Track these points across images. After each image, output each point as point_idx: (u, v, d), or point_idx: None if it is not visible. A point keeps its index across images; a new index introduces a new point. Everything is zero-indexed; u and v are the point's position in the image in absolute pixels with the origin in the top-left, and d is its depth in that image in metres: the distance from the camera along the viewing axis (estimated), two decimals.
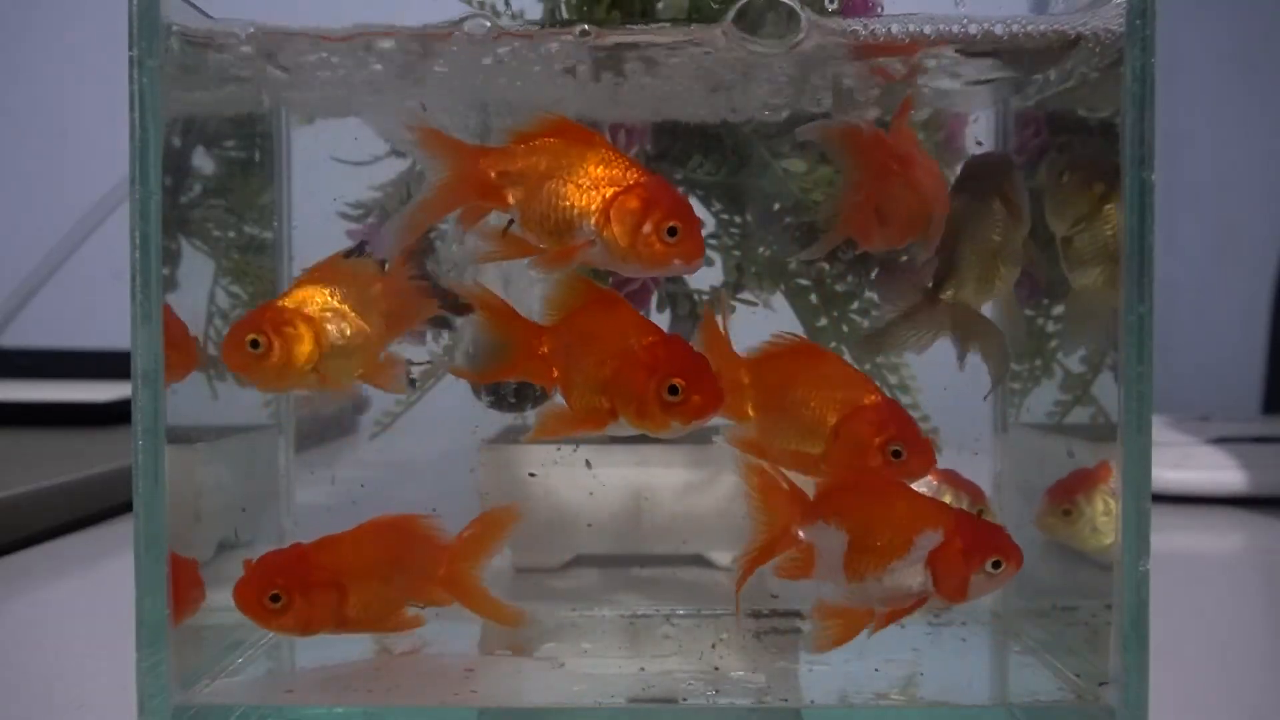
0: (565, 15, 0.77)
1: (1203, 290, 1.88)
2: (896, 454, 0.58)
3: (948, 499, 0.70)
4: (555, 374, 0.61)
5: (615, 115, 0.78)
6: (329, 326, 0.62)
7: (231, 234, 0.74)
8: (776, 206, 0.81)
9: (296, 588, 0.61)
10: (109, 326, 1.12)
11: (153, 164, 0.55)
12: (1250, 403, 1.87)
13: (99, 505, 1.13)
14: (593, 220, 0.57)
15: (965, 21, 0.63)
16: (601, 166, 0.58)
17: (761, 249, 0.82)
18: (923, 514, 0.58)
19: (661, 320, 0.85)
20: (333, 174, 0.76)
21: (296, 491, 0.78)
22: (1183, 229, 1.84)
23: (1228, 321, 1.89)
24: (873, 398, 0.60)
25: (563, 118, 0.59)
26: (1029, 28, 0.63)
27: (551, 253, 0.59)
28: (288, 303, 0.62)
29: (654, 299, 0.83)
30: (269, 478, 0.77)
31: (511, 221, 0.60)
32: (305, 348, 0.61)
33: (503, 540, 0.64)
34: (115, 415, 1.51)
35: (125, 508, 1.13)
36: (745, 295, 0.83)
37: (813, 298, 0.82)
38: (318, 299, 0.62)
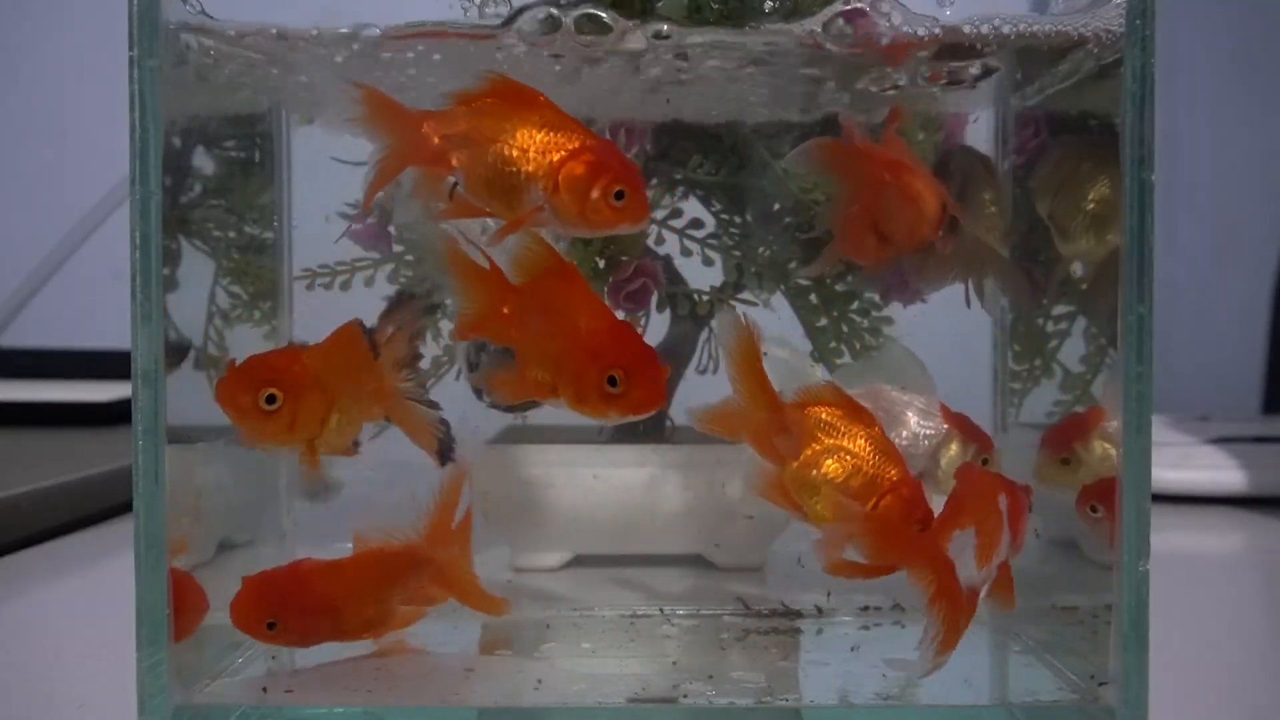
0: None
1: (1203, 290, 1.88)
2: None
3: (953, 446, 0.69)
4: (515, 335, 0.61)
5: (615, 114, 0.78)
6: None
7: (232, 234, 0.74)
8: (776, 206, 0.81)
9: (292, 614, 0.62)
10: (109, 326, 1.12)
11: (153, 164, 0.55)
12: (1250, 403, 1.87)
13: (99, 505, 1.13)
14: (541, 186, 0.57)
15: (968, 21, 0.63)
16: (546, 130, 0.58)
17: (761, 249, 0.82)
18: (994, 484, 0.59)
19: (662, 321, 0.85)
20: (334, 174, 0.76)
21: (296, 492, 0.78)
22: (1183, 229, 1.84)
23: (1228, 321, 1.89)
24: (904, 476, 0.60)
25: (504, 77, 0.59)
26: (1030, 28, 0.64)
27: (507, 223, 0.59)
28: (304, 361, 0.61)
29: (654, 299, 0.83)
30: (269, 478, 0.77)
31: (455, 184, 0.60)
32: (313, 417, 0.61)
33: (464, 499, 0.65)
34: (115, 415, 1.50)
35: (125, 508, 1.13)
36: (745, 295, 0.83)
37: (813, 298, 0.82)
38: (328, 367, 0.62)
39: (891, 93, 0.71)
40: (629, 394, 0.57)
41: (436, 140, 0.59)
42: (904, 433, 0.68)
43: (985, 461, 0.68)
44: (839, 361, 0.81)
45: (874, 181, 0.67)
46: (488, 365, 0.75)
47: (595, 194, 0.57)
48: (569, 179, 0.57)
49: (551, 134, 0.58)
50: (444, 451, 0.65)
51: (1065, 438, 0.70)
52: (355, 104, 0.59)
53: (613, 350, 0.57)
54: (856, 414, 0.61)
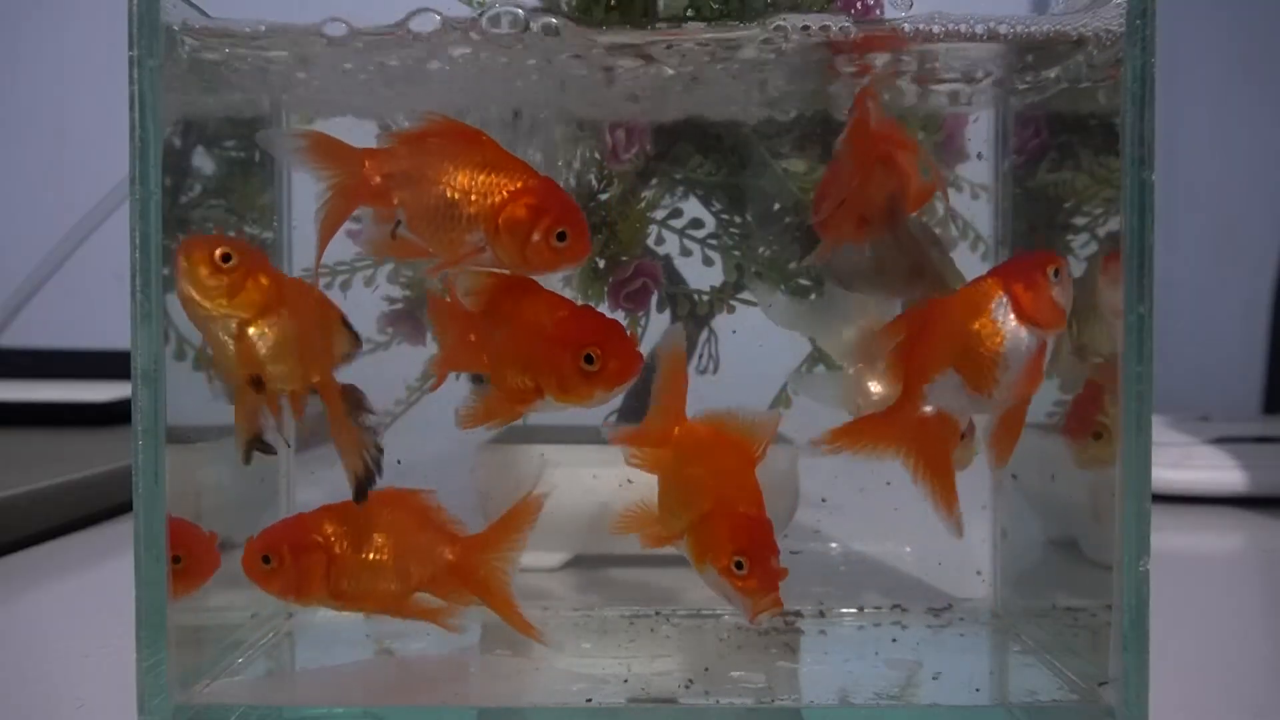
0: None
1: (1203, 290, 1.88)
2: (739, 565, 0.58)
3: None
4: (484, 358, 0.61)
5: (616, 114, 0.78)
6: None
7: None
8: (776, 206, 0.81)
9: (288, 550, 0.61)
10: (109, 326, 1.12)
11: (153, 164, 0.55)
12: (1250, 403, 1.87)
13: (99, 505, 1.13)
14: (481, 228, 0.58)
15: (970, 20, 0.63)
16: (487, 171, 0.58)
17: (761, 249, 0.82)
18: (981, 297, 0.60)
19: (662, 320, 0.85)
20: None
21: (296, 491, 0.78)
22: (1183, 229, 1.84)
23: (1228, 321, 1.89)
24: (746, 510, 0.60)
25: (446, 118, 0.59)
26: (1030, 28, 0.64)
27: (445, 260, 0.59)
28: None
29: (654, 299, 0.83)
30: (269, 478, 0.77)
31: (399, 223, 0.60)
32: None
33: (526, 533, 0.64)
34: (115, 415, 1.51)
35: (125, 508, 1.13)
36: (745, 295, 0.83)
37: (813, 297, 0.82)
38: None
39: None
40: (607, 366, 0.57)
41: (378, 179, 0.60)
42: None
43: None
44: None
45: (841, 155, 0.67)
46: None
47: (536, 236, 0.57)
48: (509, 222, 0.57)
49: (492, 175, 0.58)
50: (363, 484, 0.63)
51: (1087, 415, 0.68)
52: (298, 147, 0.60)
53: (579, 332, 0.58)
54: (730, 442, 0.61)
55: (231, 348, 0.61)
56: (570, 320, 0.59)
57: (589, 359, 0.57)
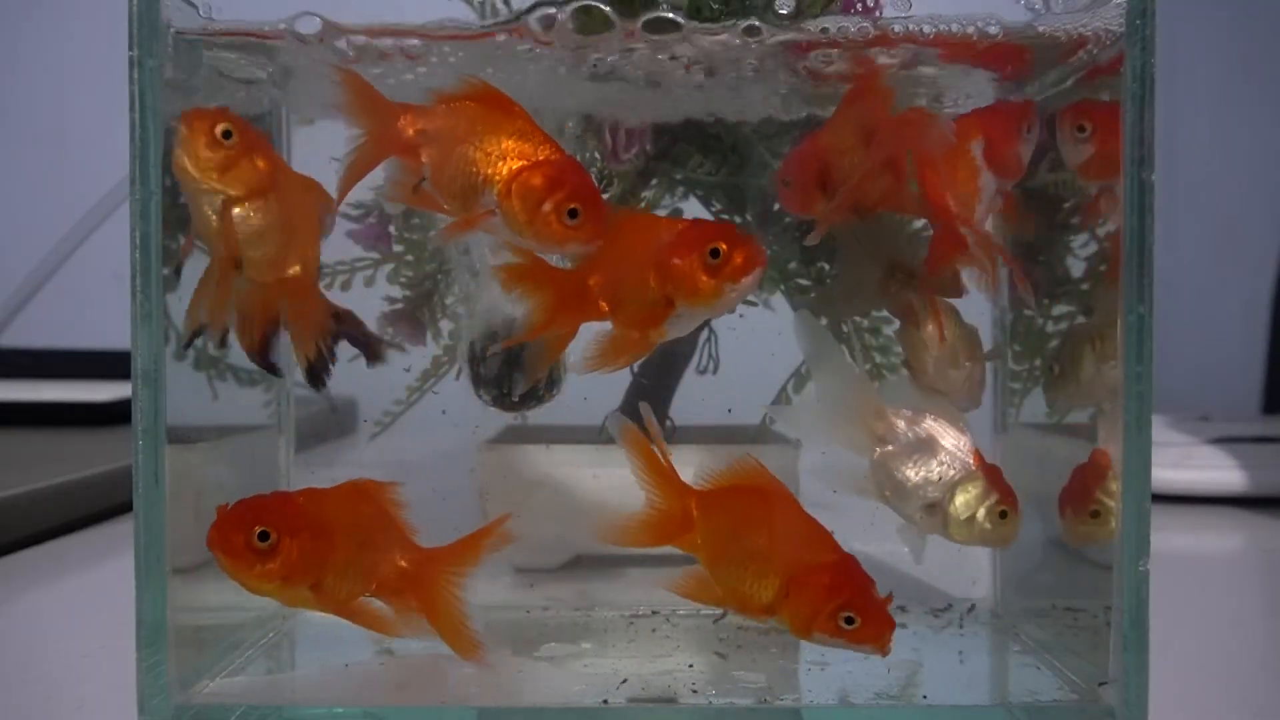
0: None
1: (1203, 290, 1.88)
2: (850, 620, 0.56)
3: (971, 490, 0.65)
4: (604, 304, 0.60)
5: (615, 113, 0.78)
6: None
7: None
8: (776, 206, 0.81)
9: (286, 530, 0.57)
10: (109, 326, 1.12)
11: (153, 164, 0.55)
12: (1250, 403, 1.87)
13: (99, 505, 1.13)
14: (495, 191, 0.58)
15: (968, 20, 0.63)
16: (514, 139, 0.58)
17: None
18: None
19: None
20: (334, 174, 0.76)
21: None
22: (1183, 229, 1.84)
23: (1228, 321, 1.89)
24: (829, 556, 0.58)
25: (486, 85, 0.59)
26: (1029, 28, 0.64)
27: (453, 222, 0.59)
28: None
29: None
30: (269, 478, 0.77)
31: (423, 179, 0.60)
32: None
33: (487, 553, 0.62)
34: (115, 415, 1.51)
35: (125, 508, 1.13)
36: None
37: (812, 296, 0.82)
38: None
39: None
40: (734, 257, 0.56)
41: (411, 132, 0.60)
42: (932, 464, 0.67)
43: (1004, 515, 0.64)
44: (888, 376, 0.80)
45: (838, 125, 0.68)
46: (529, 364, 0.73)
47: (547, 207, 0.57)
48: (522, 187, 0.57)
49: (518, 143, 0.58)
50: (315, 370, 0.64)
51: (1085, 491, 0.66)
52: (336, 87, 0.60)
53: (700, 233, 0.57)
54: (765, 495, 0.60)
55: (215, 225, 0.60)
56: (687, 228, 0.58)
57: (715, 253, 0.56)
